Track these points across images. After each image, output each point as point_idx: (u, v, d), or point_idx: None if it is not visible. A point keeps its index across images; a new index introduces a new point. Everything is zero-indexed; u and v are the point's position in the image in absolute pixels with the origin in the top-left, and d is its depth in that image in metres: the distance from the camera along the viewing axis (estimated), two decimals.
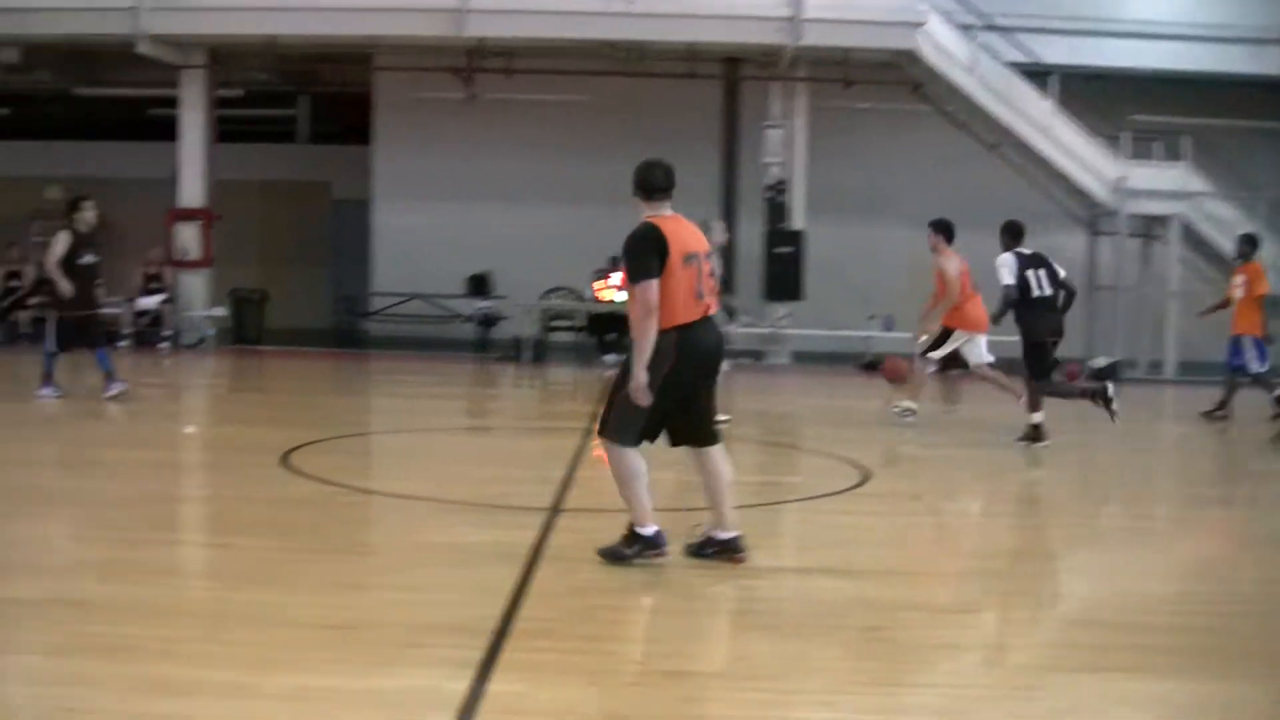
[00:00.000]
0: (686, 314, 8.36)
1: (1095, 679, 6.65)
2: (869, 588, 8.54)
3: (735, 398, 21.47)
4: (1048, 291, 15.12)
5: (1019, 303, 15.02)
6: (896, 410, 16.60)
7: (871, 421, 18.17)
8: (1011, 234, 15.54)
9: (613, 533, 8.75)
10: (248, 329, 27.17)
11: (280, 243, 31.85)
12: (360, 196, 29.80)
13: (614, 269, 24.40)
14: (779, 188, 25.39)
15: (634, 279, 8.38)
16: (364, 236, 29.50)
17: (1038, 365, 15.27)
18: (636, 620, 7.65)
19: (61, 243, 16.67)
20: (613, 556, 8.62)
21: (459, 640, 6.90)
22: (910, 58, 24.38)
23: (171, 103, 27.29)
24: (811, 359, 25.34)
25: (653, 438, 8.69)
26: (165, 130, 27.79)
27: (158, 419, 16.66)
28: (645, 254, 8.36)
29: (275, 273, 30.48)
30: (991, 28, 24.97)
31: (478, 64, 25.82)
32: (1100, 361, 21.87)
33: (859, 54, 24.55)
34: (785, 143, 25.35)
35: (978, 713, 6.09)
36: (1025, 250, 15.32)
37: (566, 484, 11.56)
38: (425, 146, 28.67)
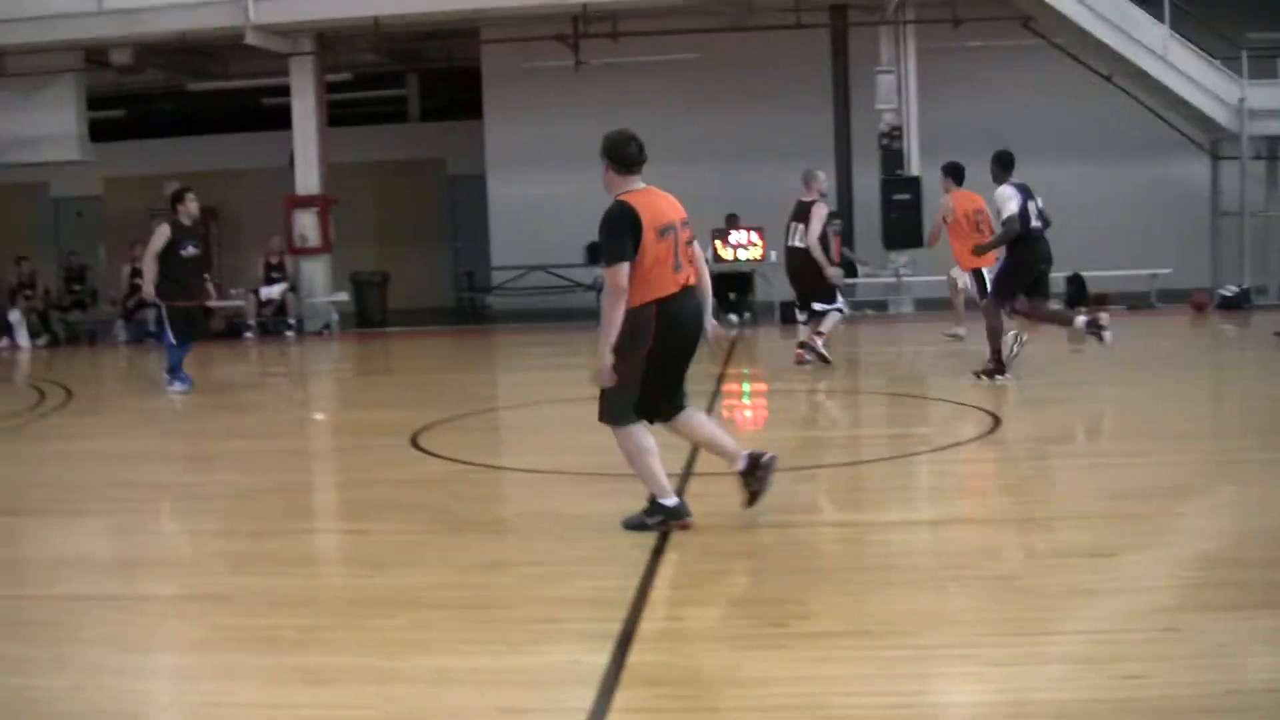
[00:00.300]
0: (664, 287, 8.29)
1: (1238, 617, 6.47)
2: (1004, 536, 8.43)
3: (860, 349, 21.39)
4: (1039, 223, 15.20)
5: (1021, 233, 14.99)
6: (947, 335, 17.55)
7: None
8: (1003, 164, 15.50)
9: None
10: (370, 312, 27.31)
11: (398, 223, 32.00)
12: (475, 171, 29.85)
13: (733, 227, 24.27)
14: (893, 134, 25.11)
15: (607, 261, 8.29)
16: (481, 211, 29.56)
17: (1015, 288, 15.39)
18: (772, 582, 7.53)
19: (161, 235, 16.83)
20: (635, 525, 8.59)
21: (597, 613, 6.85)
22: None
23: (283, 91, 27.46)
24: (935, 306, 25.04)
25: (652, 418, 8.67)
26: (278, 119, 27.98)
27: (286, 407, 16.78)
28: (618, 234, 8.25)
29: (394, 253, 30.64)
30: None
31: (583, 30, 25.72)
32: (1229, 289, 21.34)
33: None
34: (897, 88, 25.01)
35: (1121, 658, 5.93)
36: (1019, 181, 15.33)
37: (695, 448, 11.46)
38: (536, 116, 28.65)
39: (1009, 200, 15.01)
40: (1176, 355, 18.55)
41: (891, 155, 25.14)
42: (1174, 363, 17.93)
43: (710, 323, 8.86)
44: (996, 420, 12.31)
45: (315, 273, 26.83)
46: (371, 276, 27.49)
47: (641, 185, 8.57)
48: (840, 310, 17.54)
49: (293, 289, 26.52)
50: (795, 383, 17.35)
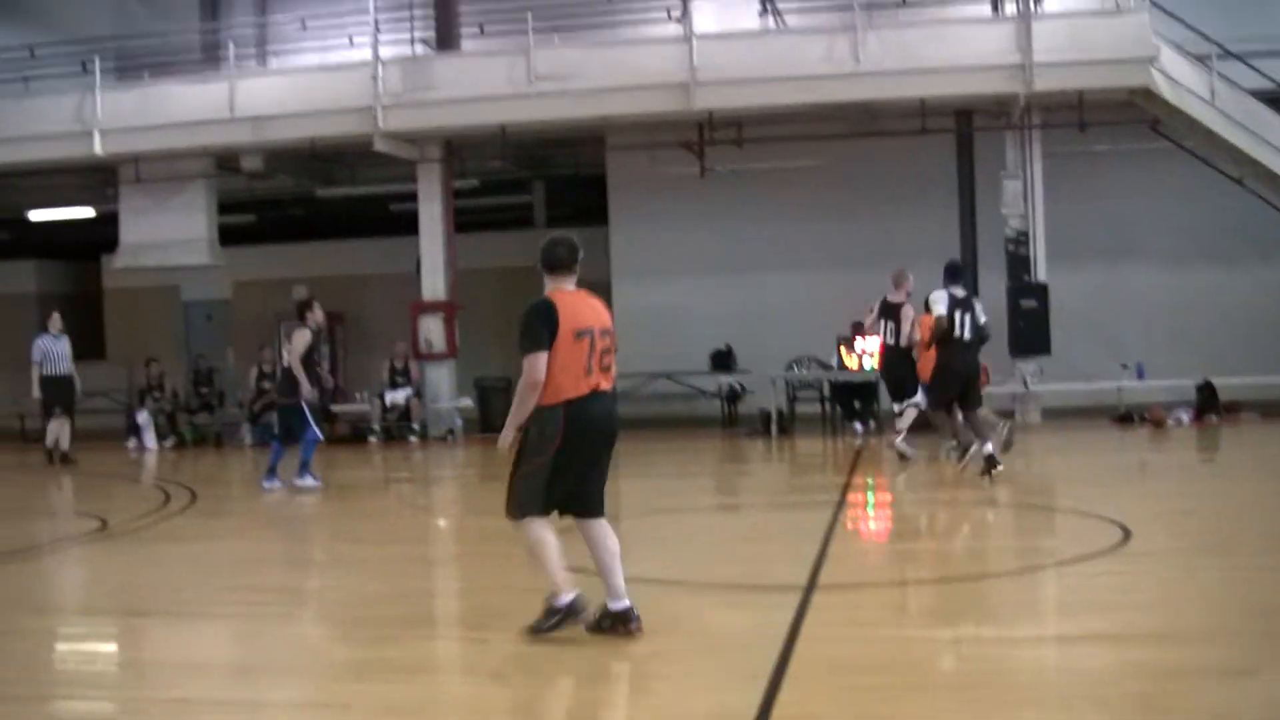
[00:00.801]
0: (574, 389, 8.65)
1: None
2: (1138, 653, 8.18)
3: None
4: (968, 335, 16.70)
5: (942, 337, 16.55)
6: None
7: (1132, 476, 17.71)
8: (948, 272, 17.28)
9: (873, 608, 8.52)
10: (494, 417, 27.28)
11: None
12: (600, 277, 29.87)
13: (857, 334, 24.09)
14: (1019, 239, 24.89)
15: (523, 351, 8.76)
16: None
17: (939, 395, 17.19)
18: (900, 699, 7.35)
19: (303, 339, 17.78)
20: (535, 631, 8.75)
21: None
22: (1145, 94, 23.66)
23: (410, 197, 27.72)
24: (1063, 414, 24.72)
25: (562, 510, 8.89)
26: (406, 224, 28.22)
27: (409, 512, 16.79)
28: (535, 327, 8.73)
29: (519, 359, 30.64)
30: (1228, 55, 24.15)
31: (709, 136, 25.77)
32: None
33: (1092, 95, 23.91)
34: (1023, 193, 24.81)
35: None
36: (959, 292, 16.93)
37: (820, 559, 11.32)
38: (661, 222, 28.71)
39: (937, 304, 16.65)
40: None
41: (1018, 261, 24.90)
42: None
43: None
44: (1126, 532, 12.03)
45: (440, 378, 26.94)
46: (495, 382, 27.53)
47: (570, 288, 8.99)
48: (917, 405, 18.52)
49: (417, 394, 26.65)
50: (919, 492, 17.19)
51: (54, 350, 24.04)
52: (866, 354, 23.65)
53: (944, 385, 16.97)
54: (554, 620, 8.74)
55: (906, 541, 13.56)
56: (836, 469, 18.91)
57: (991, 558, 12.55)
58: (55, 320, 24.44)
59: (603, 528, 8.99)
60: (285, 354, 18.76)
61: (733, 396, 26.94)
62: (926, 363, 18.19)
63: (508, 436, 8.92)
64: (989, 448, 16.34)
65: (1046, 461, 20.76)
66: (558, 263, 9.04)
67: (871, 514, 15.99)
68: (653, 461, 20.87)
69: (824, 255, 27.72)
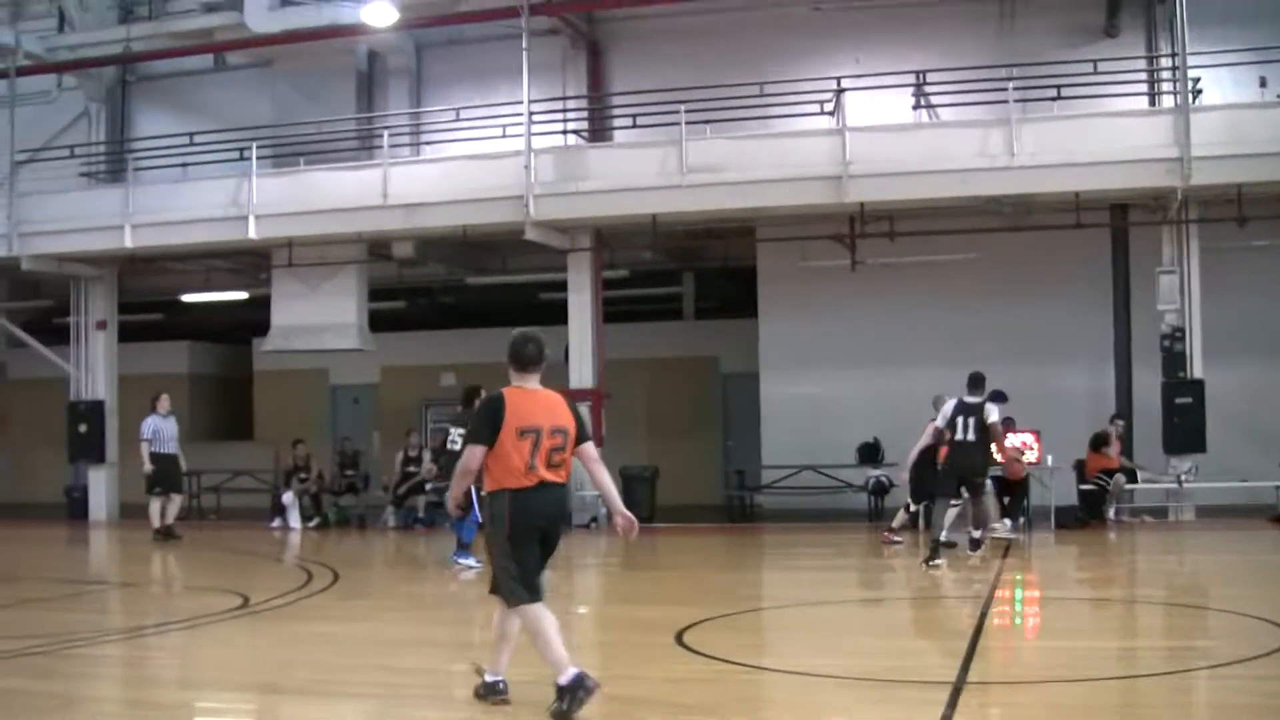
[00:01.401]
0: (516, 481, 9.21)
1: None
2: None
3: (1139, 556, 20.71)
4: (971, 436, 18.59)
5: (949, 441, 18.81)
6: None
7: None
8: (970, 383, 19.13)
9: (1024, 706, 8.27)
10: (639, 506, 27.18)
11: (670, 418, 32.09)
12: (748, 369, 29.78)
13: (1009, 430, 23.72)
14: (1175, 335, 24.43)
15: (465, 440, 9.63)
16: (753, 409, 29.42)
17: (943, 487, 19.05)
18: None
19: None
20: (555, 716, 9.06)
21: None
22: None
23: (560, 286, 27.81)
24: (1218, 513, 24.18)
25: (538, 592, 9.47)
26: (555, 313, 28.30)
27: (552, 600, 16.65)
28: (480, 421, 9.40)
29: (665, 448, 30.67)
30: None
31: (860, 229, 25.63)
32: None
33: (1252, 189, 23.48)
34: (1179, 288, 24.37)
35: None
36: (971, 399, 18.88)
37: (970, 655, 11.06)
38: (811, 315, 28.58)
39: (943, 412, 19.17)
40: None
41: (1174, 357, 24.44)
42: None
43: (621, 514, 9.76)
44: None
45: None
46: (641, 471, 27.46)
47: (531, 385, 9.51)
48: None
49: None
50: (1070, 589, 16.89)
51: (163, 430, 24.53)
52: (1018, 449, 23.26)
53: (946, 478, 19.09)
54: (563, 703, 9.05)
55: (1057, 639, 13.25)
56: (984, 565, 18.58)
57: (1145, 657, 12.21)
58: (164, 401, 24.98)
59: (542, 610, 9.52)
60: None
61: (880, 490, 26.62)
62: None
63: (449, 502, 10.16)
64: (976, 533, 18.74)
65: (1200, 560, 20.29)
66: (525, 360, 9.55)
67: (1021, 610, 15.67)
68: (799, 553, 20.64)
69: (975, 349, 27.24)
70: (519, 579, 9.39)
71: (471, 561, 18.43)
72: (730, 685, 10.39)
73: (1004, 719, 8.47)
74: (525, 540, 9.35)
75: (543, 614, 9.39)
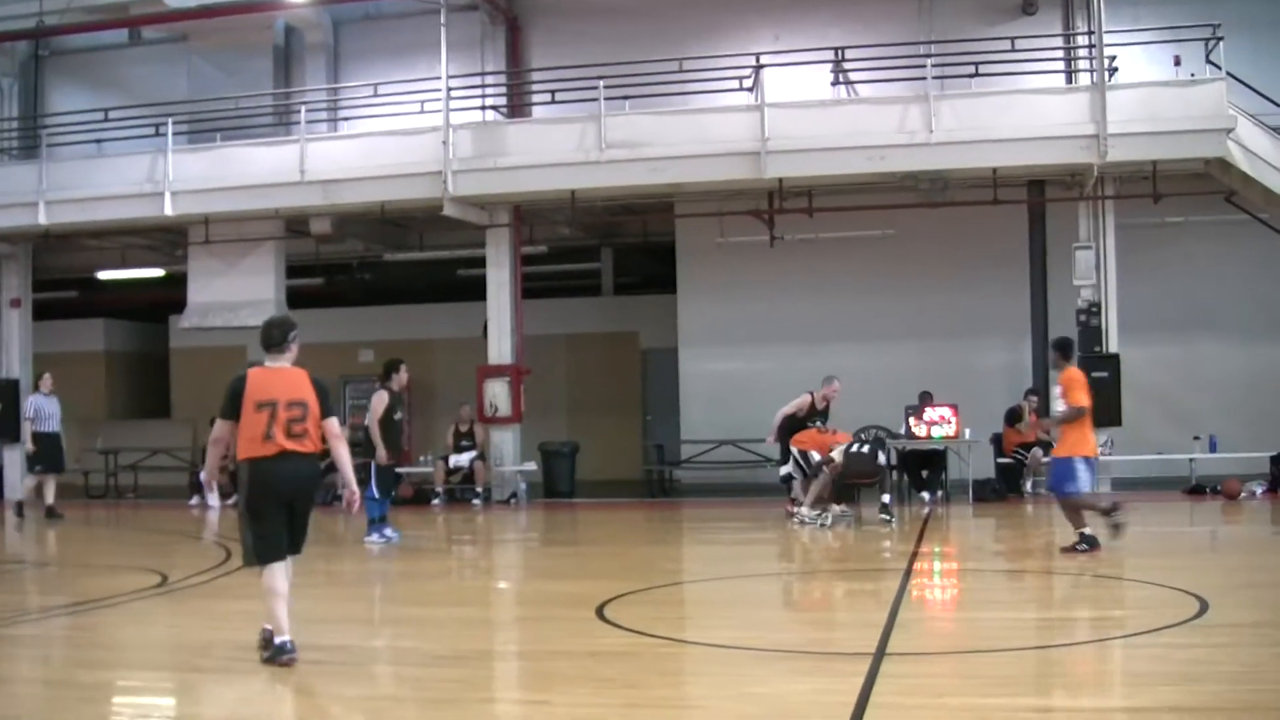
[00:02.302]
0: (255, 450, 10.09)
1: None
2: None
3: (1057, 529, 20.85)
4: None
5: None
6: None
7: (1205, 548, 17.43)
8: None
9: (943, 677, 8.33)
10: (558, 482, 27.25)
11: (589, 395, 32.09)
12: (668, 345, 29.82)
13: (926, 404, 23.90)
14: (1091, 310, 24.64)
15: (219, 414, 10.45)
16: (672, 385, 29.46)
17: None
18: None
19: (381, 400, 18.67)
20: (266, 661, 10.02)
21: None
22: (1221, 165, 23.42)
23: (478, 263, 27.75)
24: (1134, 485, 24.43)
25: (278, 555, 10.17)
26: (473, 289, 28.24)
27: (472, 575, 16.68)
28: (225, 398, 10.39)
29: (585, 424, 30.69)
30: None
31: (779, 206, 25.68)
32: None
33: (1167, 166, 23.69)
34: (1095, 263, 24.56)
35: None
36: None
37: (889, 627, 11.13)
38: (730, 291, 28.62)
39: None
40: None
41: (1090, 332, 24.64)
42: None
43: (349, 488, 10.77)
44: (1203, 604, 11.78)
45: (505, 442, 26.89)
46: (561, 447, 27.48)
47: (276, 365, 10.52)
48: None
49: (482, 457, 26.59)
50: (988, 561, 17.04)
51: (44, 408, 24.45)
52: (936, 423, 23.44)
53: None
54: (268, 653, 10.04)
55: (976, 610, 13.36)
56: (904, 538, 18.69)
57: (1063, 628, 12.31)
58: (46, 380, 24.85)
59: (280, 570, 10.19)
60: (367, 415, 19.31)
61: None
62: None
63: (205, 475, 11.36)
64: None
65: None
66: (269, 343, 10.61)
67: (940, 582, 15.78)
68: (718, 527, 20.71)
69: (893, 325, 27.59)
70: (253, 544, 10.18)
71: (388, 534, 18.70)
72: (650, 658, 10.41)
73: (923, 690, 8.52)
74: (265, 506, 10.13)
75: (276, 577, 10.09)
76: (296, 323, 10.93)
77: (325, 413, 10.40)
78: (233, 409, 10.27)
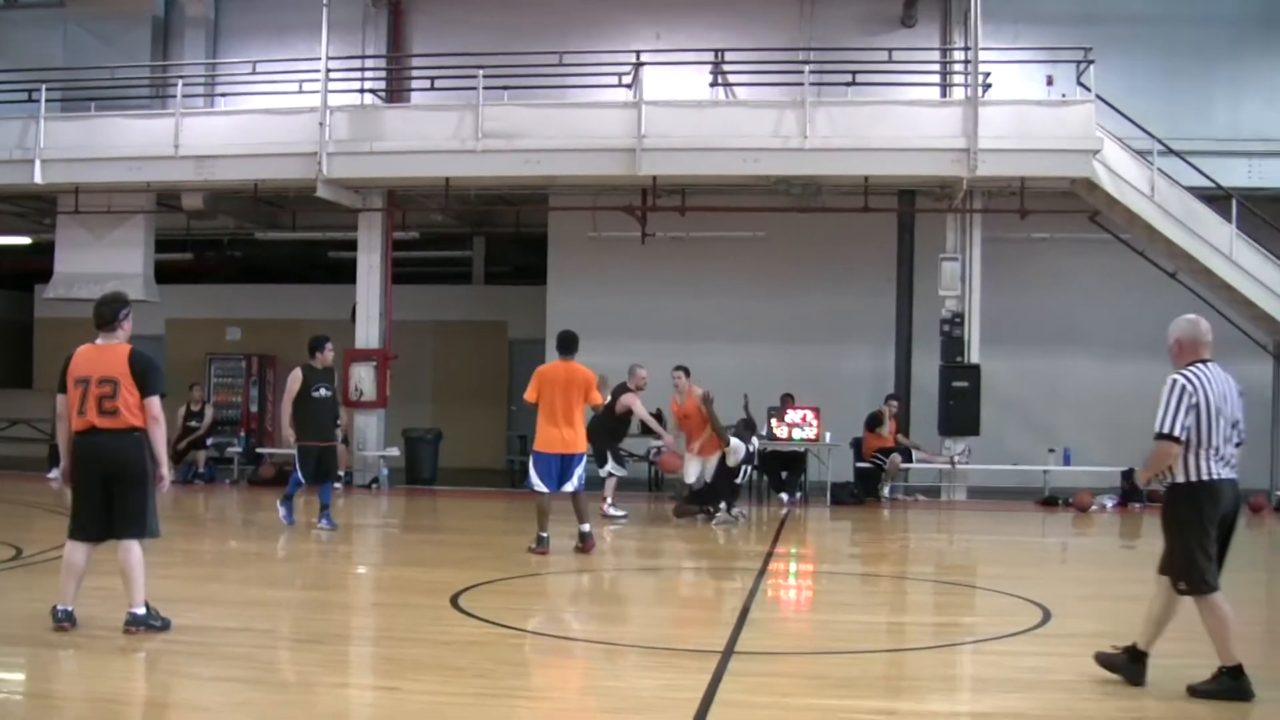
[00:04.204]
0: (73, 425, 10.47)
1: None
2: None
3: (911, 535, 21.19)
4: None
5: None
6: None
7: (1053, 559, 17.77)
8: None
9: (791, 677, 8.50)
10: (421, 468, 27.24)
11: (455, 382, 32.09)
12: (536, 336, 29.84)
13: (788, 406, 24.14)
14: (955, 321, 25.03)
15: None
16: None
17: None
18: None
19: (294, 378, 18.36)
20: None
21: None
22: (1087, 185, 23.92)
23: (349, 245, 27.69)
24: (989, 494, 24.84)
25: (86, 535, 10.49)
26: (343, 272, 28.17)
27: (329, 559, 16.66)
28: (60, 374, 10.65)
29: (449, 412, 30.70)
30: (1170, 152, 24.38)
31: (652, 203, 25.83)
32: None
33: (1035, 183, 24.14)
34: (961, 274, 24.95)
35: None
36: None
37: (740, 626, 11.29)
38: (600, 285, 28.74)
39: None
40: (1232, 558, 18.26)
41: (952, 342, 25.04)
42: (1230, 565, 17.64)
43: (161, 467, 10.63)
44: (1046, 613, 12.06)
45: (369, 426, 26.85)
46: (425, 434, 27.46)
47: (104, 341, 10.64)
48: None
49: (344, 441, 26.48)
50: (843, 564, 17.29)
51: None
52: (797, 425, 23.69)
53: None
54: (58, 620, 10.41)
55: (827, 612, 13.58)
56: (760, 538, 18.90)
57: (911, 632, 12.57)
58: None
59: (122, 548, 10.43)
60: None
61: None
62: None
63: (61, 470, 10.89)
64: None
65: (970, 541, 20.81)
66: (100, 320, 10.68)
67: (793, 583, 15.99)
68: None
69: (762, 326, 27.85)
70: (72, 517, 10.54)
71: (283, 513, 18.63)
72: (502, 648, 10.50)
73: (769, 688, 8.68)
74: (81, 480, 10.47)
75: (75, 551, 10.46)
76: (129, 300, 11.04)
77: (145, 391, 10.48)
78: (62, 383, 10.62)
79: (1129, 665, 9.30)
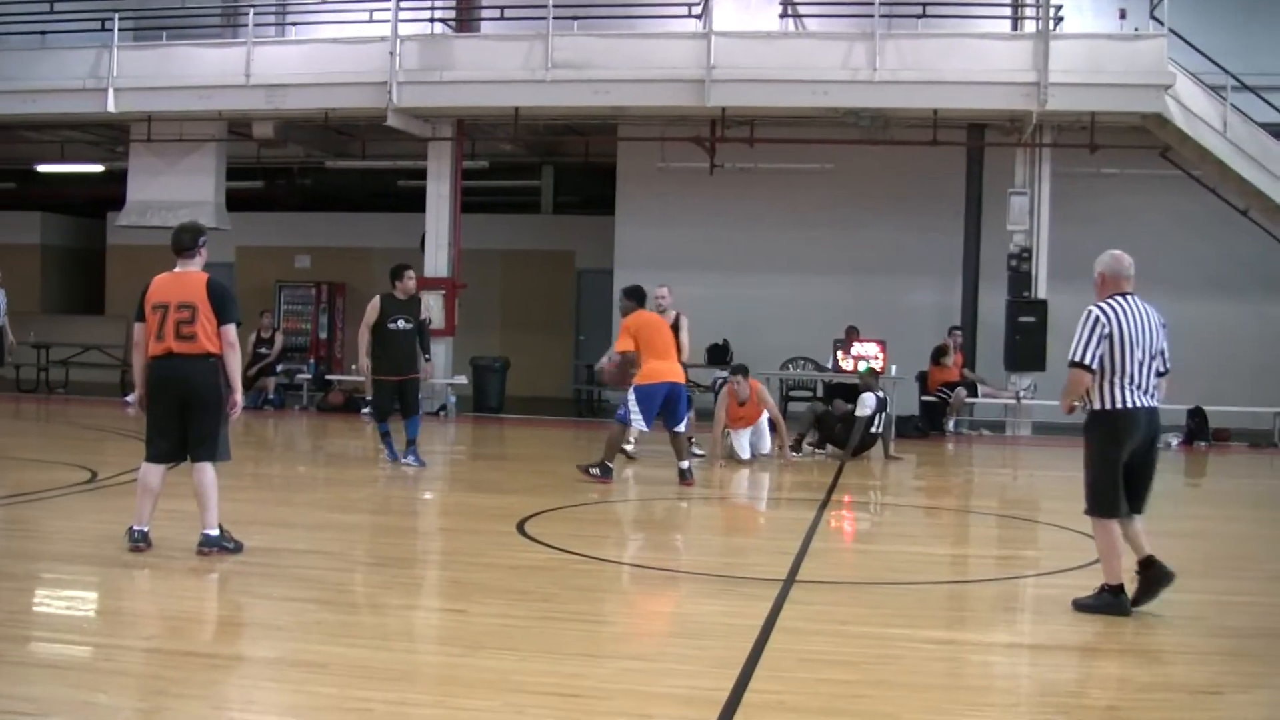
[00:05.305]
0: (152, 349, 10.60)
1: None
2: (1108, 666, 8.29)
3: (975, 469, 21.23)
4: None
5: None
6: None
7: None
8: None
9: (850, 606, 8.60)
10: (488, 397, 27.39)
11: (523, 312, 32.22)
12: (603, 266, 29.94)
13: (853, 339, 24.16)
14: (1023, 256, 24.95)
15: None
16: (606, 305, 29.57)
17: None
18: (868, 696, 7.41)
19: (372, 308, 17.49)
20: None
21: (689, 712, 6.82)
22: (1158, 121, 23.75)
23: (419, 174, 27.81)
24: (1054, 430, 24.80)
25: (158, 457, 10.69)
26: (413, 201, 28.29)
27: (398, 485, 16.85)
28: (137, 302, 10.78)
29: (517, 341, 30.81)
30: (1243, 87, 24.17)
31: (720, 134, 25.83)
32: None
33: (1105, 118, 24.00)
34: (1029, 209, 24.86)
35: None
36: None
37: (801, 556, 11.40)
38: (667, 216, 28.77)
39: None
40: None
41: (1020, 277, 24.96)
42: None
43: (237, 399, 10.88)
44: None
45: (438, 354, 26.95)
46: (492, 362, 27.61)
47: (181, 269, 10.77)
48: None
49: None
50: (905, 497, 17.36)
51: None
52: (862, 358, 23.71)
53: None
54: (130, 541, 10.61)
55: (888, 544, 13.65)
56: (823, 470, 18.98)
57: (972, 564, 12.65)
58: None
59: (196, 471, 10.65)
60: None
61: None
62: None
63: (134, 395, 11.45)
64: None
65: (1033, 476, 20.84)
66: (178, 246, 10.81)
67: (855, 515, 16.06)
68: (644, 450, 20.93)
69: (828, 259, 27.83)
70: (148, 439, 10.72)
71: (387, 458, 17.78)
72: (567, 574, 10.64)
73: (829, 616, 8.79)
74: (156, 403, 10.66)
75: (149, 473, 10.65)
76: (205, 229, 11.25)
77: (222, 319, 10.63)
78: (139, 311, 10.74)
79: (1113, 601, 9.50)
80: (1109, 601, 9.41)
